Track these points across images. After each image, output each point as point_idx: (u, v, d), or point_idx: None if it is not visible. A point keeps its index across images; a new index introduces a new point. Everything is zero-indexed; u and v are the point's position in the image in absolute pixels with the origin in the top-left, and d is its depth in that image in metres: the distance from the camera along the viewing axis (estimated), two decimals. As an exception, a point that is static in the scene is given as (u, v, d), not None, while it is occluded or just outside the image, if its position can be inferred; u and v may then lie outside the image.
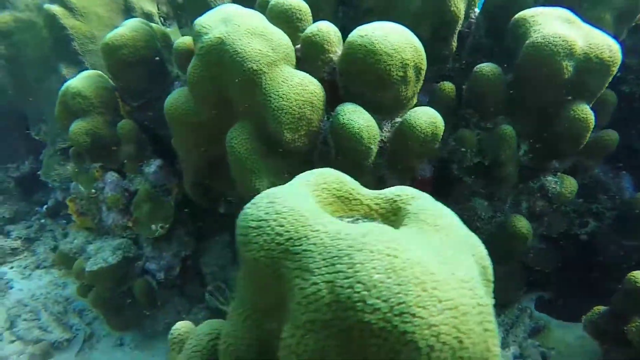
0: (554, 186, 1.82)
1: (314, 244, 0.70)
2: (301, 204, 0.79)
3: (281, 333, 0.73)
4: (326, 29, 1.59)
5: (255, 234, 0.76)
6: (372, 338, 0.61)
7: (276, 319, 0.79)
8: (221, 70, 1.50)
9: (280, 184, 1.68)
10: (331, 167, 1.76)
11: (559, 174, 1.84)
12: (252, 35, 1.46)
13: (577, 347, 1.99)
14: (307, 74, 1.54)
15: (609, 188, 2.05)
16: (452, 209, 2.00)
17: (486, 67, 1.71)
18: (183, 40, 1.96)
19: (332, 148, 1.64)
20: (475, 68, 1.76)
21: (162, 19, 3.47)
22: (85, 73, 2.40)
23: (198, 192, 2.03)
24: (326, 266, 0.67)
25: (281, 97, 1.44)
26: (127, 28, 2.18)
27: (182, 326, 1.28)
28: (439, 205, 0.88)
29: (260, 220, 0.77)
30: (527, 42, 1.55)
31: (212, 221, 2.83)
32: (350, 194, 0.96)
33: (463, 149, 1.82)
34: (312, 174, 0.98)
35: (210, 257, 2.77)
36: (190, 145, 1.73)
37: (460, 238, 0.79)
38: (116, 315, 2.59)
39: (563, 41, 1.47)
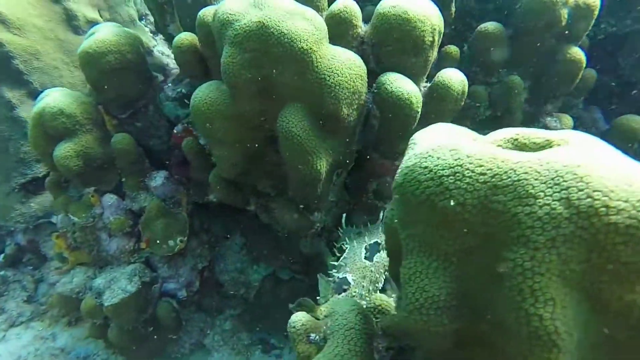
0: (555, 125, 2.07)
1: (525, 172, 0.76)
2: (480, 145, 0.83)
3: (500, 265, 0.77)
4: (351, 5, 1.62)
5: (453, 180, 0.79)
6: (617, 237, 0.69)
7: (479, 257, 0.83)
8: (264, 55, 1.46)
9: (333, 162, 1.68)
10: (374, 139, 1.79)
11: (554, 114, 2.09)
12: (293, 16, 1.44)
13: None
14: (346, 49, 1.56)
15: (585, 121, 2.37)
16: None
17: (490, 26, 1.88)
18: (185, 37, 1.85)
19: (377, 119, 1.68)
20: (479, 28, 1.92)
21: (106, 26, 3.17)
22: (58, 90, 2.13)
23: (231, 191, 1.94)
24: (550, 187, 0.73)
25: (335, 73, 1.44)
26: (108, 33, 1.98)
27: (301, 317, 1.25)
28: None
29: (454, 167, 0.80)
30: (528, -4, 1.74)
31: (220, 226, 2.71)
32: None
33: (477, 104, 1.98)
34: (431, 129, 1.02)
35: (226, 262, 2.65)
36: (230, 140, 1.65)
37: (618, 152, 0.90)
38: (139, 348, 2.38)
39: (560, -8, 1.67)
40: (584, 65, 1.88)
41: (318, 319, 1.29)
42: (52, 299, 2.33)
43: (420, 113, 1.62)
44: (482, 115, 2.04)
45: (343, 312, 1.09)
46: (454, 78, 1.67)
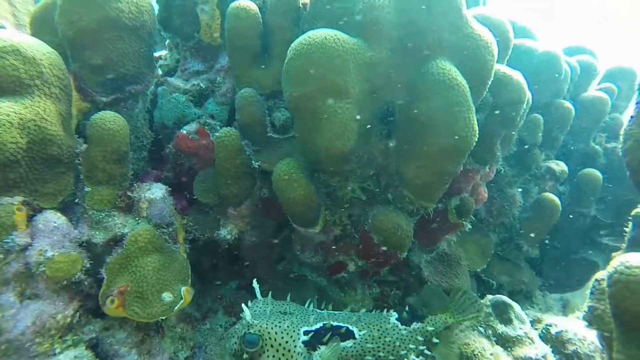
0: (556, 167, 2.30)
1: None
2: None
3: None
4: None
5: None
6: None
7: None
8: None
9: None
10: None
11: (552, 159, 2.37)
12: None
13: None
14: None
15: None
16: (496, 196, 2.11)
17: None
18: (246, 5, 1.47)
19: (482, 113, 1.57)
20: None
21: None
22: (17, 33, 1.30)
23: (310, 192, 1.33)
24: None
25: (483, 34, 1.32)
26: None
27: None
28: None
29: None
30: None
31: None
32: None
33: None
34: None
35: (208, 355, 1.65)
36: (355, 92, 1.20)
37: None
38: None
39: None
40: (573, 114, 2.27)
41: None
42: None
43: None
44: (511, 150, 2.15)
45: None
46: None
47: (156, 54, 1.87)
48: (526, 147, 2.16)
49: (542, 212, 2.21)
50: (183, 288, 1.32)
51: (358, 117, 1.26)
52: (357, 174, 1.41)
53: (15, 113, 1.16)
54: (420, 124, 1.29)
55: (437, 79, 1.23)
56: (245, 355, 1.20)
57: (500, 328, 1.41)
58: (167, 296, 1.29)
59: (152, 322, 1.32)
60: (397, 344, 1.33)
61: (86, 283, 1.27)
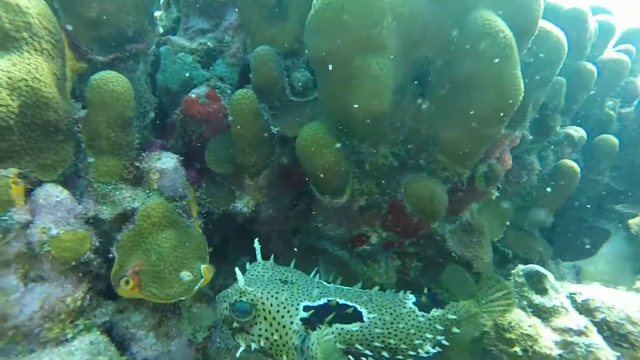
0: (575, 133, 2.22)
1: None
2: None
3: None
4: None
5: None
6: None
7: None
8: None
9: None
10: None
11: (568, 125, 2.28)
12: None
13: (609, 269, 2.36)
14: None
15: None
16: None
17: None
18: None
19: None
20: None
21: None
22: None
23: (339, 158, 1.21)
24: None
25: None
26: None
27: None
28: None
29: None
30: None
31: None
32: None
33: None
34: None
35: (223, 337, 1.57)
36: (392, 44, 1.07)
37: None
38: None
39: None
40: (596, 76, 2.16)
41: None
42: None
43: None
44: (532, 117, 2.05)
45: None
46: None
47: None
48: (548, 112, 2.06)
49: (561, 179, 2.14)
50: (202, 266, 1.21)
51: (394, 74, 1.13)
52: (388, 138, 1.30)
53: (2, 70, 0.99)
54: (460, 82, 1.17)
55: (481, 30, 1.10)
56: (235, 324, 1.06)
57: (536, 298, 1.35)
58: (185, 275, 1.18)
59: (169, 303, 1.21)
60: (412, 331, 1.17)
61: (95, 263, 1.15)
